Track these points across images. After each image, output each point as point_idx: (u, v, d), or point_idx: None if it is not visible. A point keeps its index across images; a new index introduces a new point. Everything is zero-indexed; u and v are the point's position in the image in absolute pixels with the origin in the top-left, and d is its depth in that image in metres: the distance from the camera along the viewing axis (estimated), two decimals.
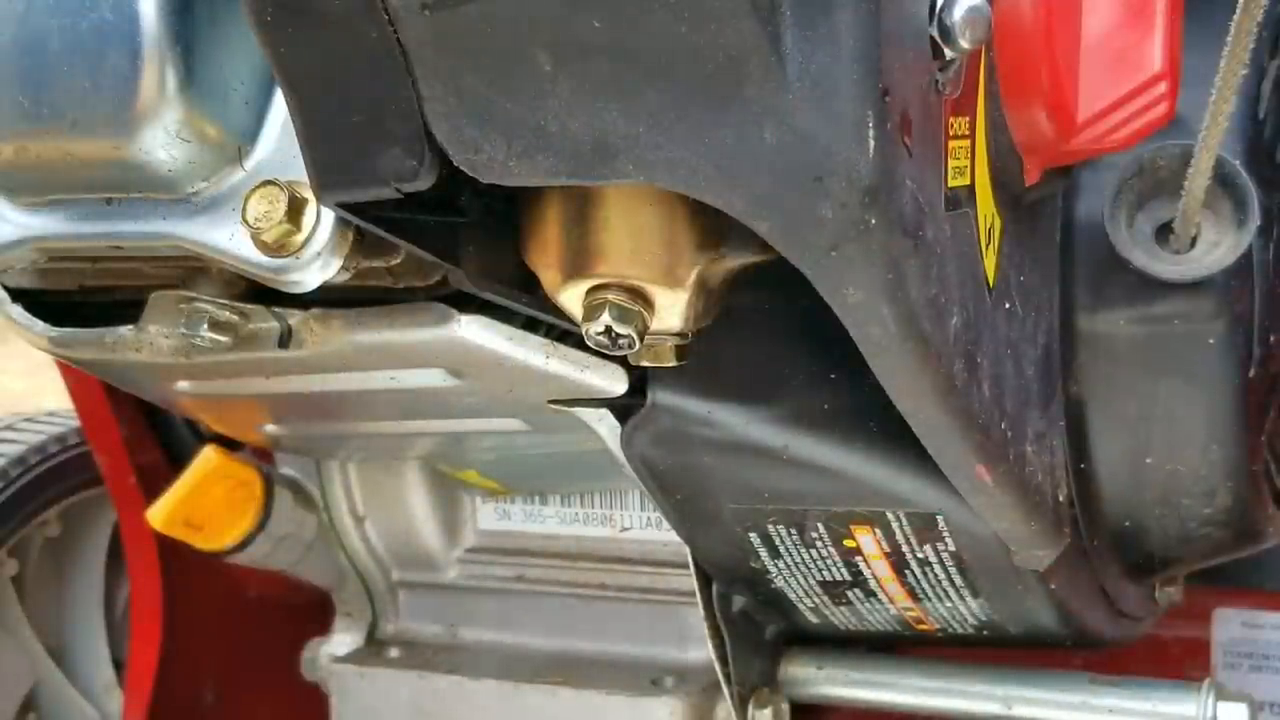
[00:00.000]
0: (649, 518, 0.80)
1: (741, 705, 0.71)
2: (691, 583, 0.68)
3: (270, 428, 0.72)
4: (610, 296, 0.43)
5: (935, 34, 0.41)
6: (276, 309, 0.55)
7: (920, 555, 0.62)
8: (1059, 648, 0.71)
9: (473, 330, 0.54)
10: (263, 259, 0.49)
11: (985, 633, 0.69)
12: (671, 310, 0.44)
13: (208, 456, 0.81)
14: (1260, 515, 0.66)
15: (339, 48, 0.39)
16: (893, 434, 0.49)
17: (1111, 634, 0.72)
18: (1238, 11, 0.45)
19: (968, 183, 0.46)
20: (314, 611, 0.93)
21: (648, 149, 0.38)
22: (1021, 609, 0.65)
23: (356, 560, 0.89)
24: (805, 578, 0.66)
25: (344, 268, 0.49)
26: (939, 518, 0.59)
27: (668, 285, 0.44)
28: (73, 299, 0.58)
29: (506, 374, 0.55)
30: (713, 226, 0.43)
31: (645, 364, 0.47)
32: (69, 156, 0.48)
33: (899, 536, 0.61)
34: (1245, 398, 0.61)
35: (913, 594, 0.65)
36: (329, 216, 0.48)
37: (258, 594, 0.99)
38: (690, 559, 0.67)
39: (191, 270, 0.55)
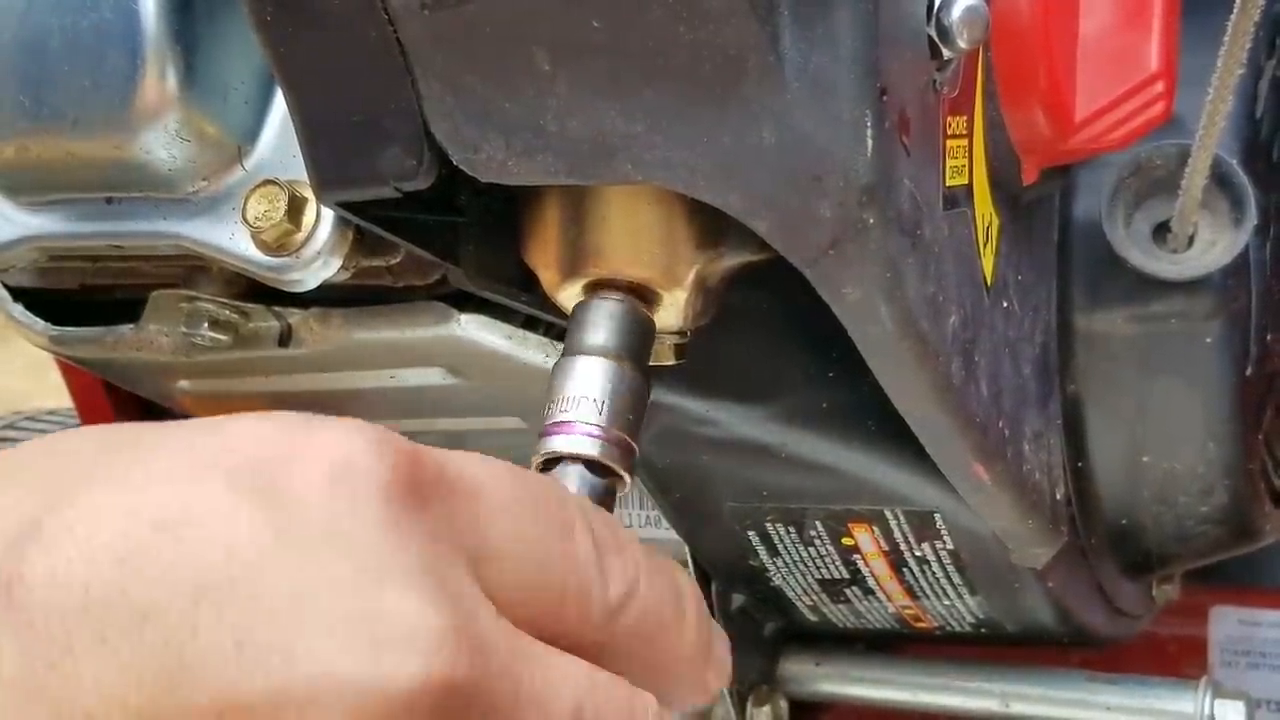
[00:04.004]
0: (648, 515, 0.80)
1: (740, 702, 0.71)
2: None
3: None
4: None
5: (933, 34, 0.41)
6: (276, 308, 0.55)
7: (918, 553, 0.62)
8: (1056, 645, 0.71)
9: (472, 329, 0.54)
10: (262, 258, 0.49)
11: (983, 630, 0.69)
12: (670, 309, 0.44)
13: None
14: (1257, 513, 0.66)
15: (339, 47, 0.39)
16: (891, 432, 0.49)
17: (1109, 631, 0.72)
18: (1235, 11, 0.45)
19: (965, 182, 0.46)
20: None
21: (646, 148, 0.38)
22: (1019, 606, 0.66)
23: None
24: (804, 576, 0.66)
25: (344, 267, 0.49)
26: (937, 516, 0.60)
27: (666, 284, 0.44)
28: (74, 298, 0.58)
29: (506, 373, 0.55)
30: (711, 225, 0.44)
31: None
32: (70, 156, 0.48)
33: (897, 535, 0.61)
34: (1242, 396, 0.61)
35: (911, 592, 0.65)
36: (329, 216, 0.48)
37: None
38: (689, 557, 0.67)
39: (192, 269, 0.55)
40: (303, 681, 0.26)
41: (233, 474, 0.28)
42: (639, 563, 0.35)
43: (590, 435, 0.40)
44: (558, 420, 0.40)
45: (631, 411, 0.41)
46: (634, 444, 0.41)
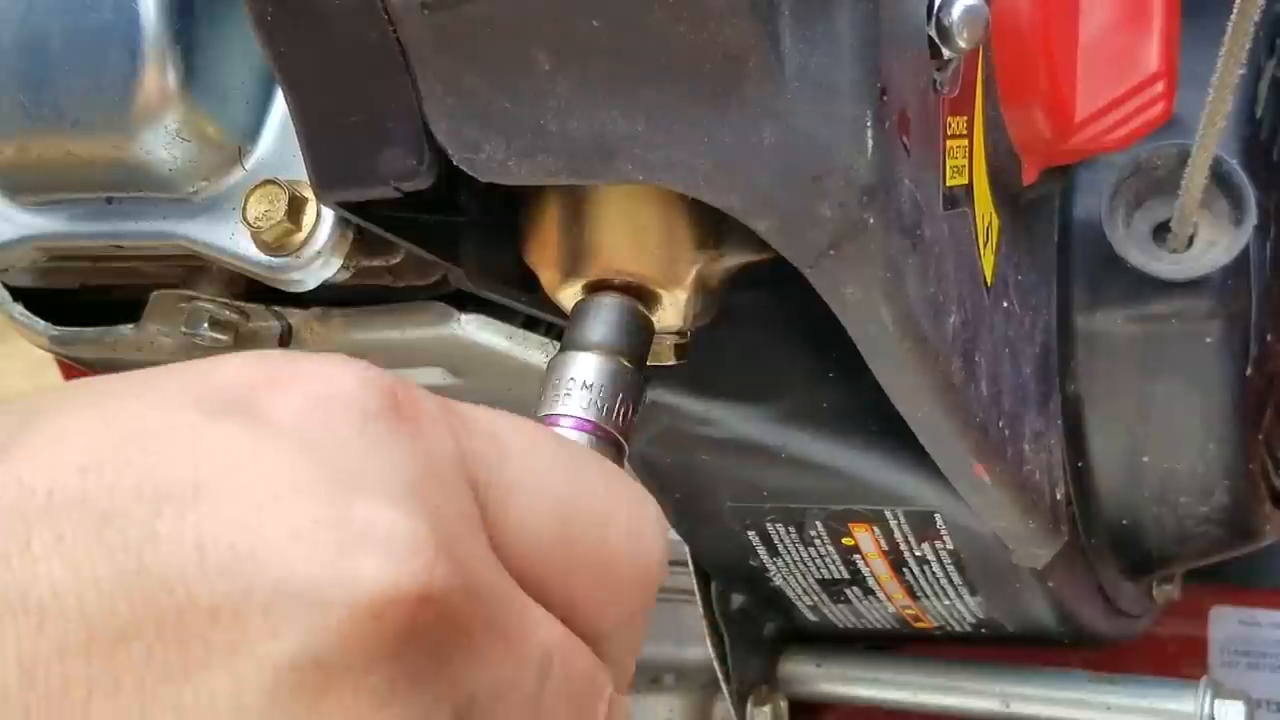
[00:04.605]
0: None
1: (740, 703, 0.71)
2: (690, 581, 0.68)
3: None
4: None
5: (933, 34, 0.41)
6: (276, 308, 0.55)
7: (918, 553, 0.62)
8: (1057, 645, 0.71)
9: (472, 329, 0.54)
10: (262, 258, 0.49)
11: (983, 630, 0.69)
12: (670, 309, 0.44)
13: None
14: (1257, 513, 0.66)
15: (339, 48, 0.39)
16: (891, 432, 0.49)
17: (1109, 631, 0.72)
18: (1235, 11, 0.45)
19: (965, 182, 0.46)
20: None
21: (646, 149, 0.38)
22: (1019, 607, 0.66)
23: None
24: (804, 576, 0.66)
25: (344, 267, 0.49)
26: (937, 516, 0.60)
27: (666, 284, 0.44)
28: (74, 298, 0.58)
29: (506, 373, 0.55)
30: (711, 225, 0.44)
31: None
32: (70, 156, 0.48)
33: (897, 535, 0.61)
34: (1242, 397, 0.61)
35: (911, 592, 0.65)
36: (329, 216, 0.48)
37: None
38: (689, 557, 0.67)
39: (192, 269, 0.55)
40: (267, 584, 0.26)
41: (208, 397, 0.28)
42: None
43: (579, 429, 0.40)
44: (549, 413, 0.40)
45: (625, 408, 0.41)
46: (625, 441, 0.41)
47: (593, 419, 0.40)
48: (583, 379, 0.41)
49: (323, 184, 0.42)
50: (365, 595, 0.26)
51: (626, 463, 0.60)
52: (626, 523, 0.33)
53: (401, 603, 0.27)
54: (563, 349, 0.42)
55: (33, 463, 0.27)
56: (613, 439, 0.40)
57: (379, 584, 0.26)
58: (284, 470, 0.27)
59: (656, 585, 0.34)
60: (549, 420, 0.40)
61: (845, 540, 0.62)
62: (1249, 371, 0.61)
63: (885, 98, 0.37)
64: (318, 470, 0.27)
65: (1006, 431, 0.52)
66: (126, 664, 0.26)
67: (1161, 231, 0.58)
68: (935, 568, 0.63)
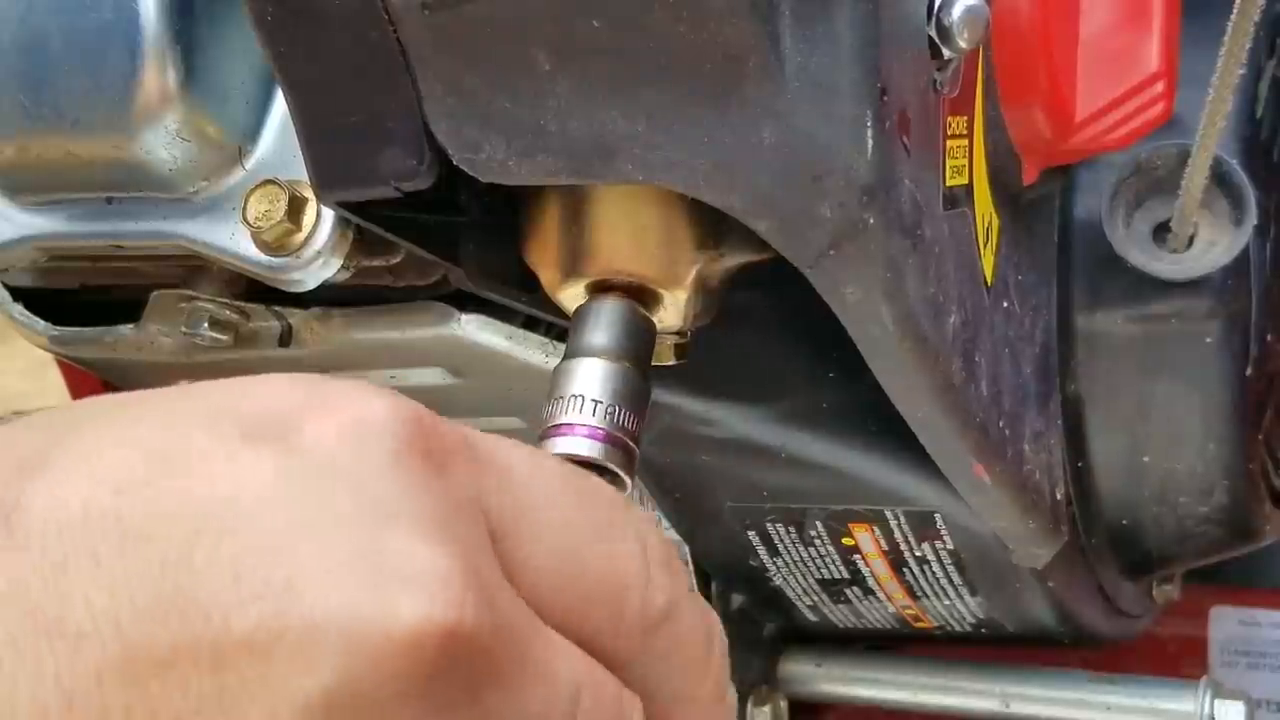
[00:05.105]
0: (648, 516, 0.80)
1: (740, 703, 0.71)
2: (690, 581, 0.68)
3: None
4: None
5: (933, 34, 0.41)
6: (277, 308, 0.55)
7: (918, 554, 0.62)
8: (1057, 645, 0.71)
9: (472, 329, 0.54)
10: (263, 258, 0.49)
11: (983, 630, 0.69)
12: (671, 309, 0.44)
13: None
14: (1257, 513, 0.66)
15: (339, 47, 0.39)
16: (891, 432, 0.49)
17: (1109, 631, 0.72)
18: (1235, 11, 0.45)
19: (966, 182, 0.46)
20: None
21: (647, 149, 0.38)
22: (1019, 606, 0.66)
23: None
24: (804, 576, 0.66)
25: (344, 267, 0.49)
26: (937, 516, 0.60)
27: (667, 284, 0.44)
28: (74, 298, 0.58)
29: (506, 373, 0.55)
30: (712, 225, 0.44)
31: None
32: (70, 156, 0.49)
33: (897, 535, 0.61)
34: (1242, 396, 0.61)
35: (911, 592, 0.65)
36: (329, 216, 0.48)
37: None
38: (689, 557, 0.67)
39: (192, 269, 0.55)
40: (302, 617, 0.26)
41: (241, 421, 0.28)
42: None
43: (591, 437, 0.40)
44: (558, 422, 0.40)
45: (633, 413, 0.41)
46: (635, 446, 0.41)
47: (603, 427, 0.40)
48: (589, 386, 0.41)
49: (323, 184, 0.42)
50: (399, 630, 0.26)
51: None
52: (633, 550, 0.33)
53: (434, 637, 0.26)
54: (567, 356, 0.42)
55: (66, 482, 0.26)
56: (624, 445, 0.40)
57: (413, 619, 0.26)
58: (319, 500, 0.27)
59: (671, 610, 0.33)
60: (560, 430, 0.40)
61: (845, 540, 0.62)
62: (1249, 371, 0.61)
63: (885, 98, 0.37)
64: (351, 501, 0.27)
65: (1006, 431, 0.52)
66: (163, 694, 0.25)
67: (1161, 231, 0.58)
68: (935, 568, 0.63)
